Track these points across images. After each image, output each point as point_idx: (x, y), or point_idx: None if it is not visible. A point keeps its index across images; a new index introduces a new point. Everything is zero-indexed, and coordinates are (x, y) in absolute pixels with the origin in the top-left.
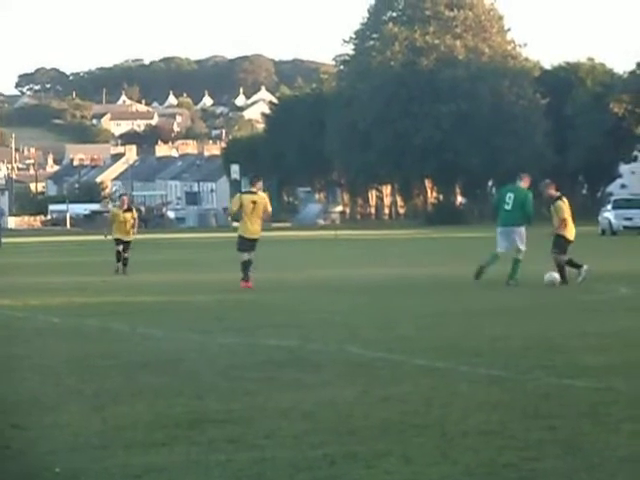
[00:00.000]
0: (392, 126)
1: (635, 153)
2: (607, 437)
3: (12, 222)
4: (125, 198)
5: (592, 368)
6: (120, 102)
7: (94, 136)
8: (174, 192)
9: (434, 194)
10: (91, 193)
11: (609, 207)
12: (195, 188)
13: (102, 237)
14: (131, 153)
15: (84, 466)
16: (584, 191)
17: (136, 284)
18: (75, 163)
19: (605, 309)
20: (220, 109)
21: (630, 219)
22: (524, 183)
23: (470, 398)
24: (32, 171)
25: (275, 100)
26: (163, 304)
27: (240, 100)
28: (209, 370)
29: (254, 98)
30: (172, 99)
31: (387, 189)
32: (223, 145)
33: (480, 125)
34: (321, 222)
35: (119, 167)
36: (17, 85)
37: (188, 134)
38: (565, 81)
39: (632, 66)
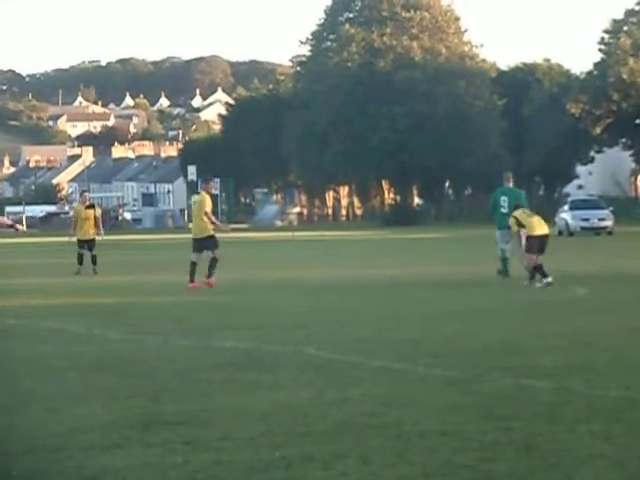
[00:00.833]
0: (349, 127)
1: (592, 154)
2: (563, 437)
3: None
4: (87, 195)
5: (549, 369)
6: (76, 103)
7: (50, 137)
8: (131, 193)
9: (391, 195)
10: (47, 195)
11: (566, 208)
12: (152, 189)
13: (61, 239)
14: (87, 155)
15: (41, 468)
16: (541, 192)
17: (94, 285)
18: (31, 165)
19: (563, 310)
20: (177, 110)
21: (587, 220)
22: (511, 182)
23: (427, 399)
24: None
25: (232, 101)
26: (121, 305)
27: (197, 101)
28: (165, 372)
29: (211, 99)
30: (129, 100)
31: (344, 190)
32: (180, 146)
33: (437, 126)
34: (278, 223)
35: (75, 169)
36: None
37: (145, 135)
38: (522, 82)
39: (589, 67)
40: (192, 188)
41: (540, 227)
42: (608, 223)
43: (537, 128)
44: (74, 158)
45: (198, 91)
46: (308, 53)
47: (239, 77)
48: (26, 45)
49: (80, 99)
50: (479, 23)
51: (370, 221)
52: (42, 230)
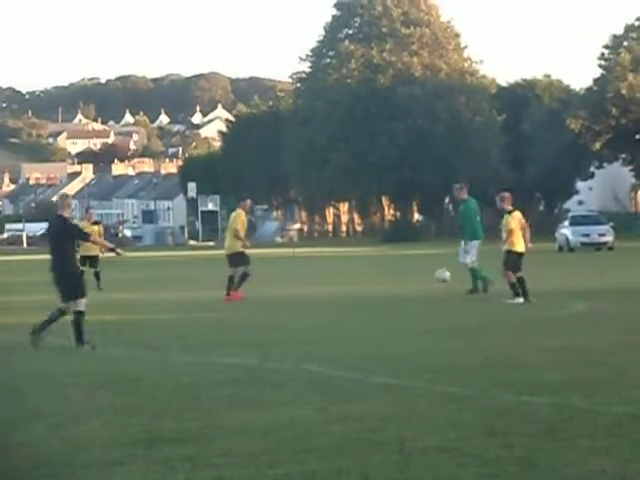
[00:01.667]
0: (349, 144)
1: (592, 169)
2: (564, 454)
3: None
4: (92, 211)
5: (550, 385)
6: (76, 121)
7: (50, 155)
8: (131, 210)
9: (391, 211)
10: (47, 212)
11: (566, 223)
12: (152, 206)
13: None
14: (87, 172)
15: None
16: (541, 207)
17: (95, 302)
18: (31, 182)
19: (563, 325)
20: (177, 127)
21: (587, 235)
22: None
23: (428, 415)
24: None
25: (232, 118)
26: (122, 323)
27: (197, 118)
28: (167, 389)
29: (211, 116)
30: (128, 117)
31: (344, 207)
32: (180, 163)
33: (437, 142)
34: (279, 240)
35: (75, 186)
36: None
37: (145, 152)
38: (522, 97)
39: (589, 82)
40: (192, 205)
41: (521, 245)
42: (608, 238)
43: (537, 144)
44: (74, 175)
45: (198, 108)
46: (308, 69)
47: (239, 94)
48: (26, 62)
49: (80, 116)
50: (479, 39)
51: (370, 237)
52: (42, 247)
